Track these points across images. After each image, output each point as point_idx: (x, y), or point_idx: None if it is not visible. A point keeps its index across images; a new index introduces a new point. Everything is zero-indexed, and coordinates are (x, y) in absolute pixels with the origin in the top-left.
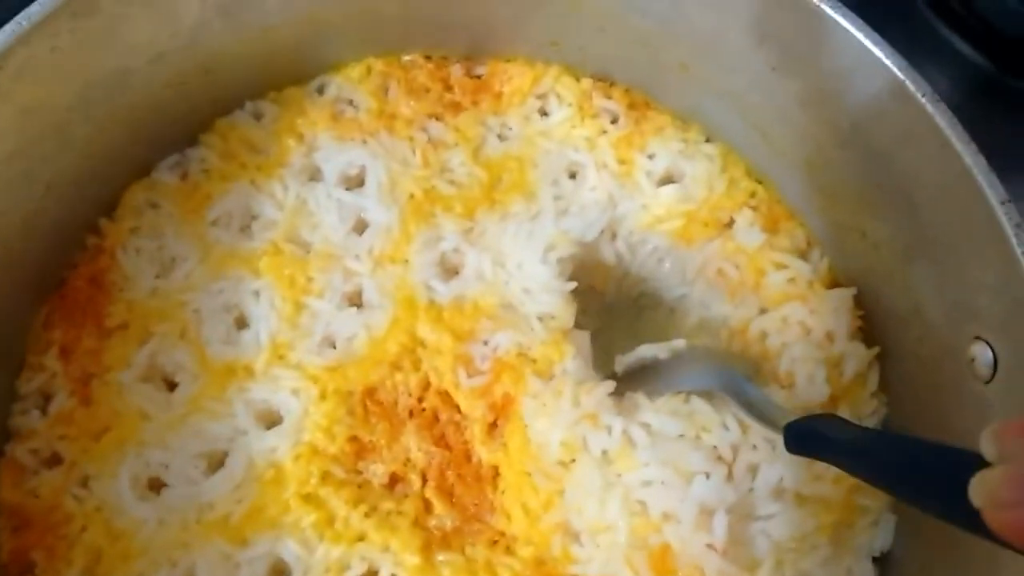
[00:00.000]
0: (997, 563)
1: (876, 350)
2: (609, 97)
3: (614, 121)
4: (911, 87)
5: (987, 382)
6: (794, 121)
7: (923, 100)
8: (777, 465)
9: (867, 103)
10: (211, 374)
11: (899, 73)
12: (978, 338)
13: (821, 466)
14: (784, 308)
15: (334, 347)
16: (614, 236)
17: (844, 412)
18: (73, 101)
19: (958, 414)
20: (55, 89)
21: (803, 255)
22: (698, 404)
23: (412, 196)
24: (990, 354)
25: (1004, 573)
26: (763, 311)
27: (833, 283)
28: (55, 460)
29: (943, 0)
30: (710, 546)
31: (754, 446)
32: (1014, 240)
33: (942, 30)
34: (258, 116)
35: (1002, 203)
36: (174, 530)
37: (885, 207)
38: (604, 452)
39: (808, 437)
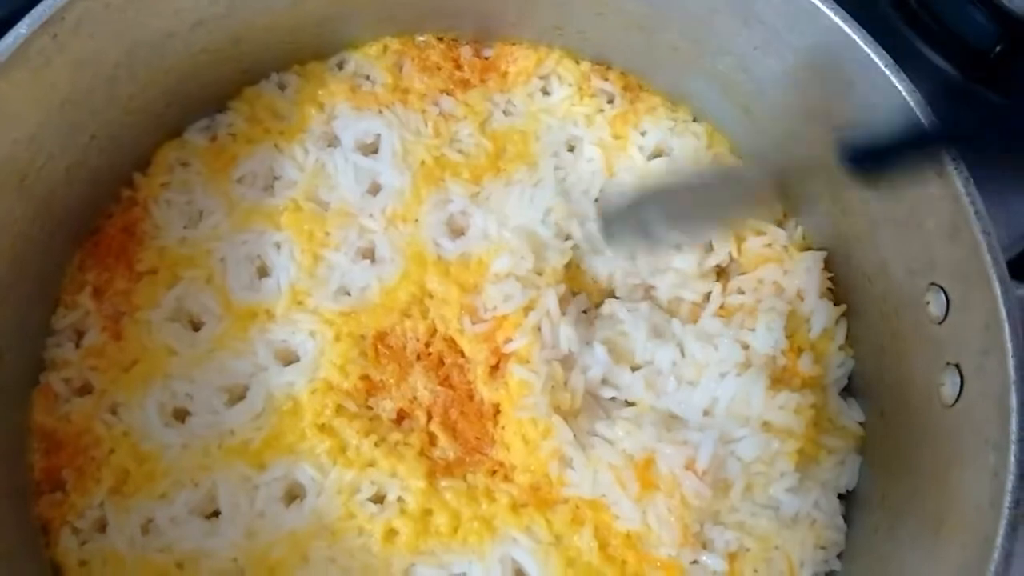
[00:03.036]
0: (953, 501)
1: (843, 308)
2: (606, 79)
3: (610, 101)
4: (875, 59)
5: (940, 322)
6: (773, 98)
7: (885, 70)
8: (743, 389)
9: (836, 77)
10: (234, 316)
11: (864, 47)
12: (933, 284)
13: (783, 397)
14: (760, 270)
15: (349, 295)
16: None
17: (811, 364)
18: (121, 58)
19: (915, 354)
20: (107, 45)
21: (780, 224)
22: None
23: (423, 163)
24: (943, 297)
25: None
26: (742, 272)
27: (806, 248)
28: (86, 389)
29: (914, 12)
30: (688, 467)
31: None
32: (963, 191)
33: (913, 40)
34: (282, 86)
35: (953, 160)
36: (197, 455)
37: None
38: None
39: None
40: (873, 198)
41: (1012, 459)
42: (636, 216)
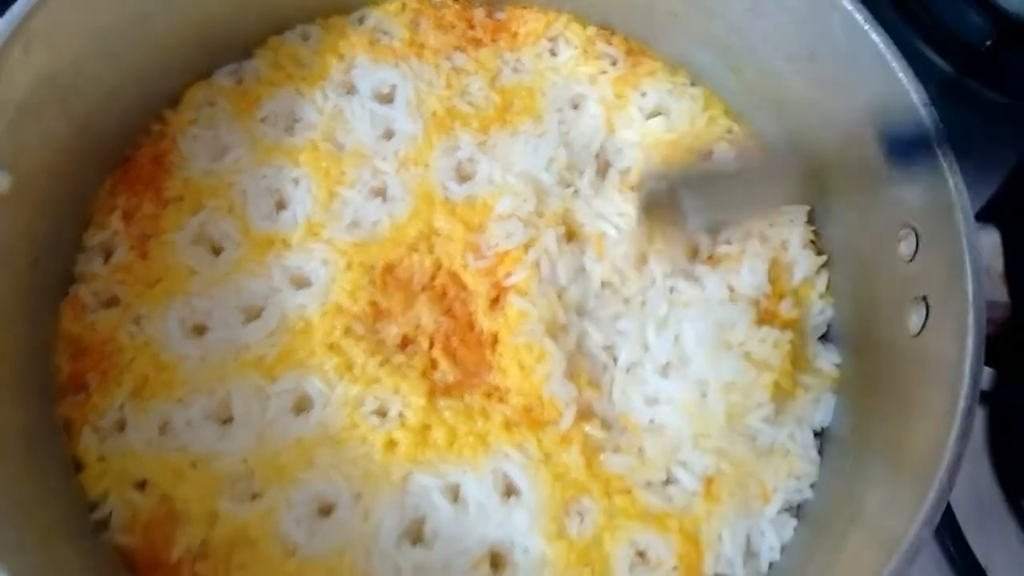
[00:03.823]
0: (915, 421)
1: (824, 258)
2: (610, 44)
3: (613, 64)
4: (857, 16)
5: (910, 260)
6: (763, 57)
7: (866, 28)
8: (728, 317)
9: (819, 33)
10: (253, 243)
11: (847, 4)
12: (905, 226)
13: (764, 331)
14: (747, 221)
15: (360, 229)
16: (607, 164)
17: (794, 310)
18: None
19: (887, 292)
20: None
21: None
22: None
23: (435, 113)
24: (914, 236)
25: (917, 428)
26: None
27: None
28: (112, 302)
29: (910, 9)
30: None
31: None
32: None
33: (909, 36)
34: (306, 37)
35: (924, 105)
36: (213, 366)
37: (834, 130)
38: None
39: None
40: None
41: (967, 372)
42: (674, 199)
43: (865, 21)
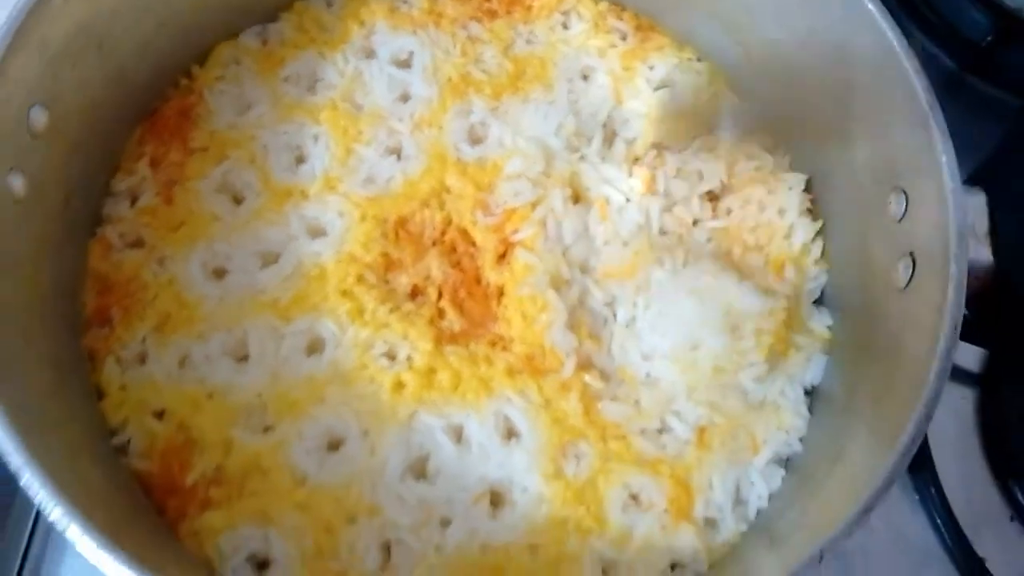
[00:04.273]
0: (900, 368)
1: (820, 224)
2: (620, 19)
3: (623, 38)
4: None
5: (899, 220)
6: (766, 33)
7: (868, 4)
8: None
9: (820, 5)
10: (272, 193)
11: None
12: (896, 187)
13: (761, 295)
14: (748, 190)
15: (375, 184)
16: (614, 134)
17: (792, 275)
18: None
19: (878, 251)
20: None
21: (770, 153)
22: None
23: (450, 79)
24: (904, 197)
25: (901, 374)
26: (731, 191)
27: None
28: (138, 243)
29: (912, 4)
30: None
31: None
32: (926, 103)
33: (913, 31)
34: (329, 3)
35: (916, 73)
36: (232, 306)
37: (833, 102)
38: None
39: None
40: (851, 123)
41: (947, 317)
42: None
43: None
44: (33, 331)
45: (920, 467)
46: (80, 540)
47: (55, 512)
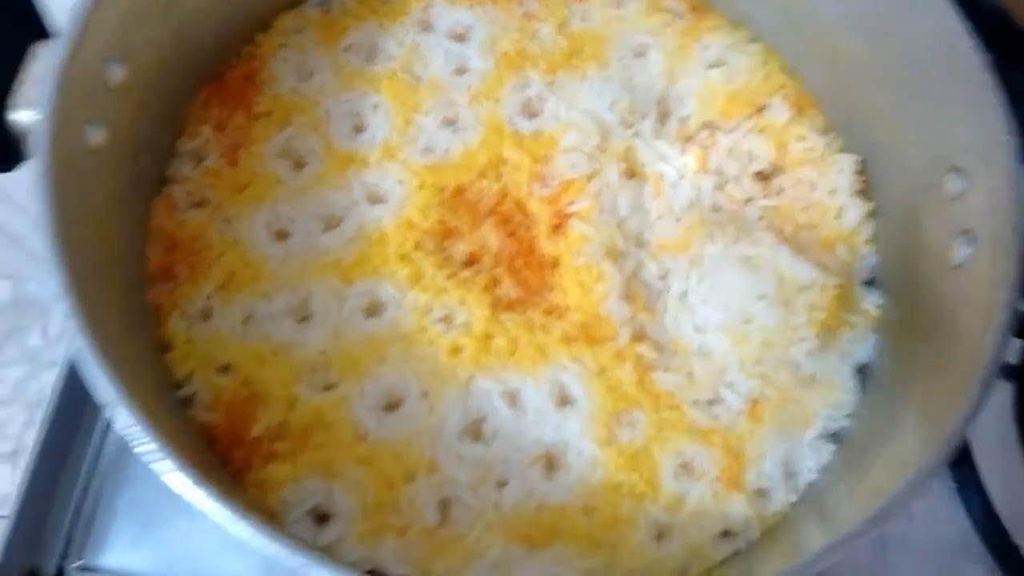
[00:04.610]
0: (953, 347)
1: (871, 205)
2: None
3: (679, 17)
4: None
5: (955, 199)
6: (823, 13)
7: None
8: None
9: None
10: (334, 159)
11: None
12: (952, 167)
13: (815, 273)
14: (799, 170)
15: (433, 153)
16: (667, 112)
17: (843, 254)
18: None
19: (931, 231)
20: None
21: (822, 134)
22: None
23: (506, 53)
24: (959, 175)
25: (955, 353)
26: (782, 171)
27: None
28: (203, 203)
29: None
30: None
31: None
32: (988, 83)
33: None
34: None
35: (975, 51)
36: (295, 267)
37: (886, 83)
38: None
39: None
40: (906, 103)
41: (1008, 292)
42: None
43: None
44: (103, 281)
45: (959, 458)
46: (174, 477)
47: (148, 447)
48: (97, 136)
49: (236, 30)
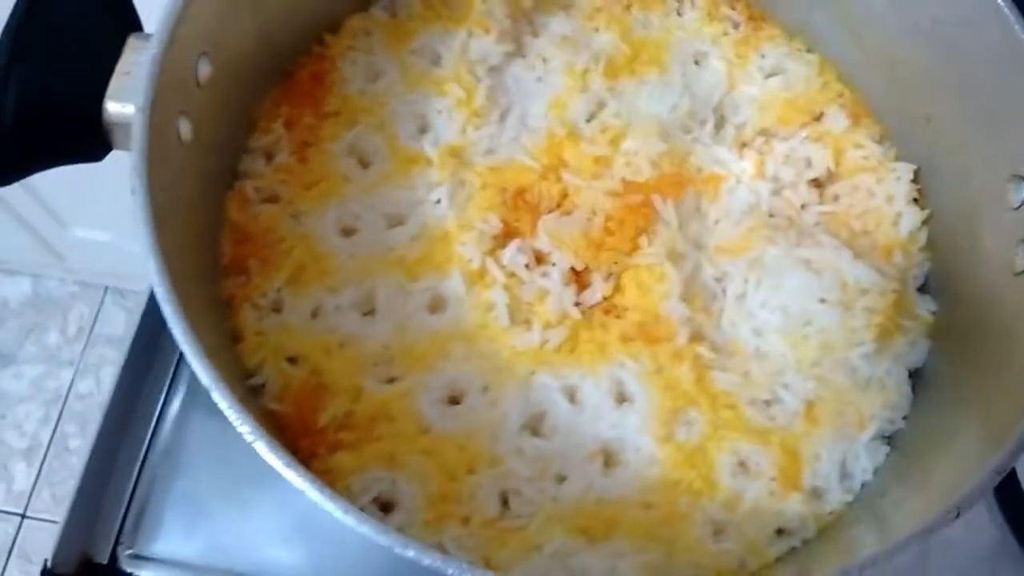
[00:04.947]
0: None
1: (928, 212)
2: (734, 8)
3: (736, 27)
4: None
5: (1017, 207)
6: (885, 24)
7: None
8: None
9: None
10: (399, 159)
11: None
12: (1014, 175)
13: (874, 276)
14: (856, 177)
15: (496, 155)
16: (724, 119)
17: (899, 261)
18: None
19: (990, 240)
20: None
21: (878, 143)
22: None
23: (569, 60)
24: (1022, 184)
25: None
26: (838, 179)
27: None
28: (273, 198)
29: None
30: None
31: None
32: None
33: None
34: None
35: None
36: (361, 262)
37: (947, 91)
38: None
39: None
40: (966, 113)
41: None
42: None
43: None
44: (185, 272)
45: None
46: (267, 456)
47: (244, 427)
48: (186, 130)
49: (309, 30)
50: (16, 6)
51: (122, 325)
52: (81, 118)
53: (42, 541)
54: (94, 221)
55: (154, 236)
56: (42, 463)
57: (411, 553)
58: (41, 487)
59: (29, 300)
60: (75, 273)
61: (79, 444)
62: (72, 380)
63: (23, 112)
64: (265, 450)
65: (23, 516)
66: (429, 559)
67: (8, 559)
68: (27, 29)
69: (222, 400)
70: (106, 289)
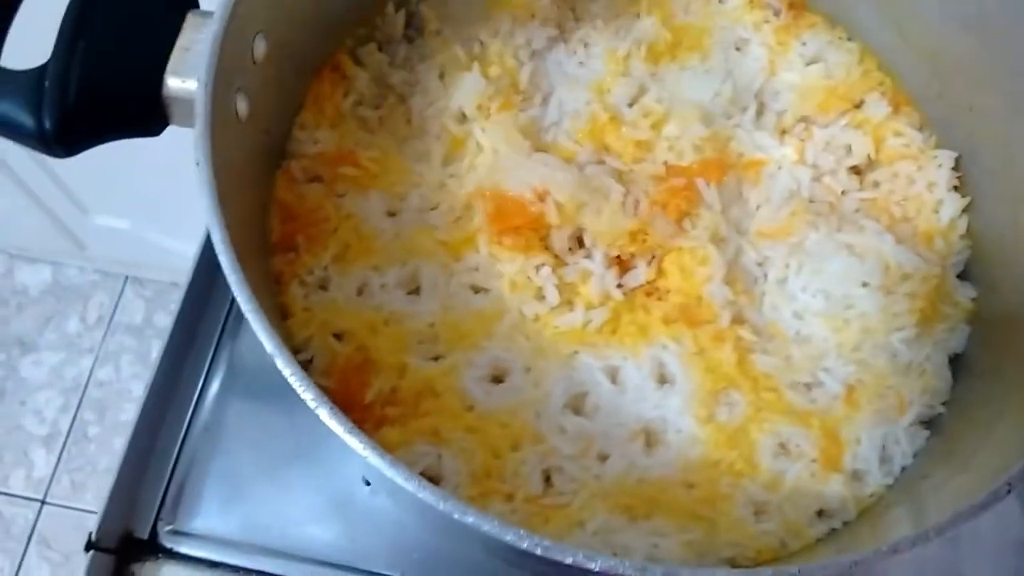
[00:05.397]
0: None
1: (968, 199)
2: None
3: (776, 15)
4: None
5: None
6: (929, 14)
7: None
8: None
9: None
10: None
11: None
12: None
13: (917, 261)
14: (896, 164)
15: (538, 138)
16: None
17: (939, 247)
18: None
19: None
20: None
21: (918, 130)
22: None
23: (612, 48)
24: None
25: None
26: (878, 165)
27: None
28: (318, 179)
29: None
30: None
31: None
32: None
33: None
34: None
35: None
36: (406, 242)
37: (993, 81)
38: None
39: None
40: (1010, 102)
41: None
42: None
43: None
44: (242, 247)
45: None
46: (329, 422)
47: (307, 394)
48: (243, 107)
49: (354, 14)
50: None
51: (141, 313)
52: (142, 93)
53: (61, 527)
54: (115, 208)
55: (217, 207)
56: (61, 450)
57: (470, 519)
58: (60, 474)
59: (49, 288)
60: (95, 262)
61: (98, 431)
62: (92, 368)
63: (85, 89)
64: (327, 416)
65: (43, 502)
66: (487, 525)
67: (28, 544)
68: (90, 7)
69: (286, 367)
70: (126, 278)
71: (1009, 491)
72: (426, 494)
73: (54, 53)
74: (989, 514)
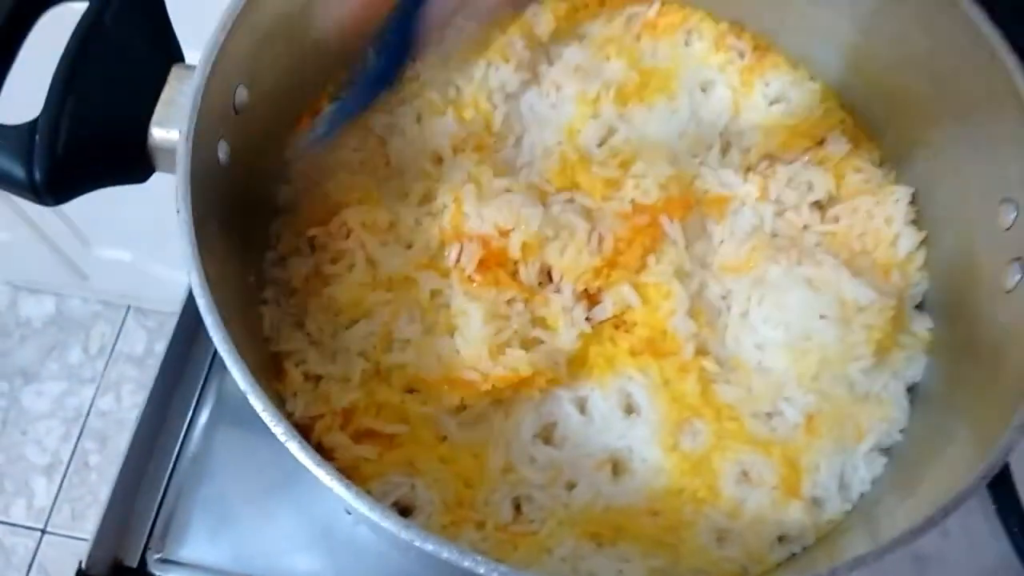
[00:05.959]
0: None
1: (925, 233)
2: (740, 38)
3: (741, 56)
4: (972, 15)
5: (1008, 228)
6: (882, 56)
7: (981, 27)
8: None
9: (944, 31)
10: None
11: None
12: (1005, 199)
13: (873, 296)
14: (856, 199)
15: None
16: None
17: (897, 280)
18: None
19: (983, 260)
20: None
21: (877, 166)
22: None
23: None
24: (1013, 206)
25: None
26: (839, 201)
27: None
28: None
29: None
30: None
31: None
32: None
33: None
34: None
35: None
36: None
37: (944, 119)
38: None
39: None
40: (961, 138)
41: None
42: None
43: (981, 21)
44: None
45: (1000, 479)
46: (299, 455)
47: (292, 445)
48: (224, 152)
49: (333, 63)
50: (69, 43)
51: (143, 344)
52: (128, 144)
53: (62, 556)
54: (117, 241)
55: (197, 251)
56: (62, 479)
57: (430, 547)
58: (61, 503)
59: (52, 319)
60: (98, 293)
61: (99, 461)
62: (93, 398)
63: (74, 142)
64: (297, 449)
65: (43, 531)
66: (447, 552)
67: (28, 573)
68: (79, 64)
69: (258, 403)
70: (128, 308)
71: (945, 516)
72: (389, 523)
73: (44, 108)
74: (961, 539)
